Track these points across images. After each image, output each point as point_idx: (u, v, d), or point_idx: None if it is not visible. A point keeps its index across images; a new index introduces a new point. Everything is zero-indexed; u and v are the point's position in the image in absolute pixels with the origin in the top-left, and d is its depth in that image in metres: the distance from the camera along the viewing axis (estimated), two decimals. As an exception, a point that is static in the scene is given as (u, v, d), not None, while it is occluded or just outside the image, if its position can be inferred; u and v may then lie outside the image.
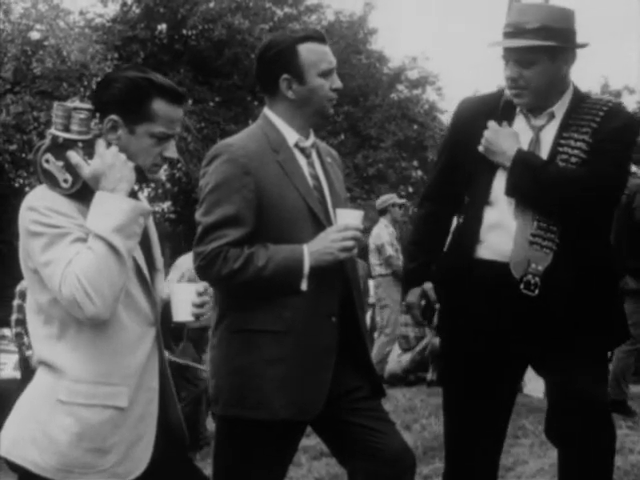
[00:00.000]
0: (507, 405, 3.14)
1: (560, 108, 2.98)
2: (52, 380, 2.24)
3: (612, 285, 3.07)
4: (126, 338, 2.28)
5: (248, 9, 20.71)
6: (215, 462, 2.78)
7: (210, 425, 7.99)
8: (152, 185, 22.06)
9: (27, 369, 7.22)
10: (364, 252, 8.76)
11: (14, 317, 7.44)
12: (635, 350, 6.14)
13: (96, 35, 19.15)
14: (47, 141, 2.26)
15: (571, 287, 2.87)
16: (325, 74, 2.72)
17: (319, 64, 2.71)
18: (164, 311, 2.47)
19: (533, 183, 2.88)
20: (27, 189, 17.08)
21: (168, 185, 22.51)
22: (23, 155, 17.28)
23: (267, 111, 2.80)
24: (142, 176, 2.34)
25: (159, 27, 21.44)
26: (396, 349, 9.01)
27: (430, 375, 9.35)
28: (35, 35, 18.21)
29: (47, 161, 2.24)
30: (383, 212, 8.91)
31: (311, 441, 4.97)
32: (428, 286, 3.17)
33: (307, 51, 2.70)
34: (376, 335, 9.38)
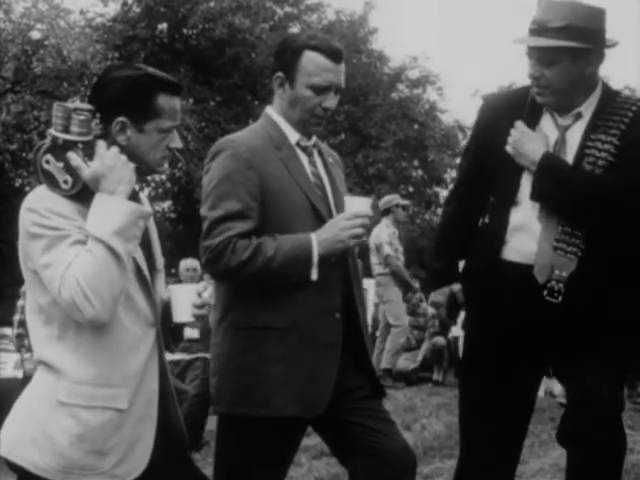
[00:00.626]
0: (526, 408, 3.11)
1: (588, 108, 2.91)
2: (52, 381, 2.24)
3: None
4: (126, 339, 2.28)
5: (249, 8, 20.68)
6: (217, 461, 2.78)
7: (210, 425, 7.99)
8: (152, 184, 22.07)
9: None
10: (363, 252, 8.76)
11: (17, 317, 7.45)
12: None
13: (97, 34, 19.12)
14: (47, 142, 2.25)
15: (596, 295, 2.83)
16: (317, 89, 2.69)
17: (312, 77, 2.68)
18: (164, 312, 2.47)
19: (559, 188, 2.83)
20: (27, 189, 17.06)
21: (168, 184, 22.50)
22: (23, 154, 17.26)
23: (269, 109, 2.81)
24: (150, 171, 2.35)
25: (160, 26, 21.41)
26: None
27: (436, 375, 9.36)
28: (36, 34, 18.19)
29: (47, 162, 2.24)
30: (386, 212, 8.92)
31: (311, 440, 4.97)
32: (457, 287, 3.15)
33: (308, 60, 2.68)
34: (378, 334, 9.40)
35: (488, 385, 3.02)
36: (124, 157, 2.25)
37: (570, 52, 2.80)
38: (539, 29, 2.83)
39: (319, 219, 2.69)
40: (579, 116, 2.92)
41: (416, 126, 23.34)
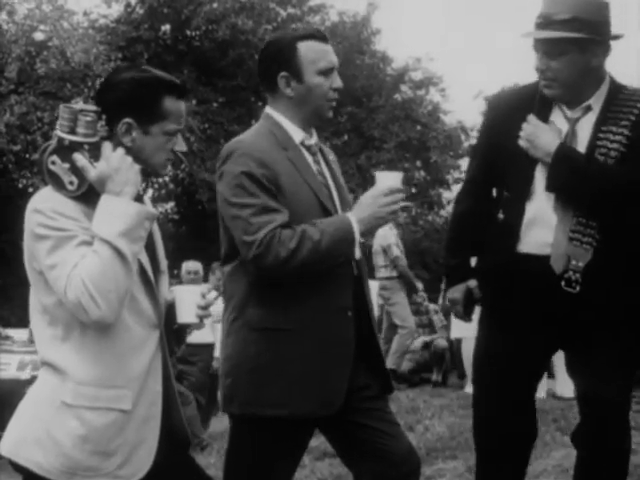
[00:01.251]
0: (532, 406, 3.14)
1: (597, 100, 2.93)
2: (57, 382, 2.24)
3: None
4: (130, 341, 2.29)
5: (252, 9, 20.68)
6: (228, 461, 2.77)
7: (213, 427, 8.01)
8: (155, 186, 22.08)
9: None
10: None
11: None
12: None
13: (100, 36, 19.14)
14: (53, 143, 2.26)
15: (613, 284, 2.85)
16: (324, 73, 2.72)
17: (318, 62, 2.71)
18: (168, 313, 2.47)
19: (574, 179, 2.85)
20: (31, 190, 17.11)
21: (171, 186, 22.52)
22: (27, 156, 17.30)
23: (269, 110, 2.81)
24: (155, 173, 2.36)
25: (163, 28, 21.44)
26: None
27: (435, 376, 9.38)
28: (39, 36, 18.22)
29: (53, 163, 2.24)
30: None
31: (314, 441, 4.96)
32: (473, 283, 3.17)
33: (306, 49, 2.71)
34: (382, 335, 9.41)
35: (503, 380, 3.03)
36: (130, 158, 2.25)
37: (576, 43, 2.83)
38: (545, 22, 2.86)
39: (327, 217, 2.69)
40: (589, 109, 2.94)
41: (419, 127, 23.33)
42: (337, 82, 2.76)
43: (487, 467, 3.17)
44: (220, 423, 7.79)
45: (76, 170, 2.22)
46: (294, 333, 2.62)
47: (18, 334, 11.43)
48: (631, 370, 3.01)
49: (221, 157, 2.70)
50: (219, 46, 20.91)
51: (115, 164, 2.22)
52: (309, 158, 2.78)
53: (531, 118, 2.93)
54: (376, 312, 3.02)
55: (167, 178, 21.27)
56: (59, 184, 2.23)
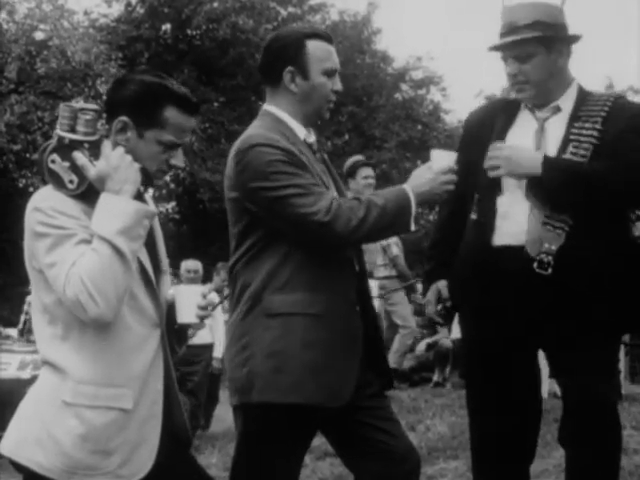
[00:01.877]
0: (534, 400, 3.16)
1: (566, 101, 3.04)
2: (57, 381, 2.24)
3: (633, 264, 3.02)
4: (130, 340, 2.28)
5: (252, 9, 20.69)
6: (238, 452, 2.74)
7: (214, 427, 8.00)
8: (156, 185, 22.08)
9: None
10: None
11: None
12: None
13: (100, 35, 19.15)
14: (53, 141, 2.26)
15: (585, 266, 2.90)
16: (328, 73, 2.74)
17: (324, 62, 2.73)
18: (168, 313, 2.47)
19: (567, 186, 2.89)
20: (31, 189, 17.09)
21: (172, 185, 22.52)
22: (27, 155, 17.30)
23: (270, 107, 2.79)
24: (149, 179, 2.34)
25: (163, 27, 21.45)
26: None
27: (436, 376, 9.37)
28: (39, 35, 18.22)
29: (53, 161, 2.24)
30: None
31: (315, 441, 4.95)
32: (442, 284, 3.22)
33: (314, 47, 2.72)
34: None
35: (492, 378, 3.06)
36: (129, 157, 2.25)
37: (543, 44, 2.97)
38: (510, 30, 3.00)
39: None
40: (557, 109, 3.05)
41: (420, 127, 23.35)
42: (338, 85, 2.77)
43: (478, 466, 3.20)
44: (221, 423, 7.79)
45: (76, 169, 2.22)
46: (312, 318, 2.62)
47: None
48: (613, 358, 3.06)
49: (240, 150, 2.64)
50: (219, 45, 20.92)
51: (115, 162, 2.22)
52: (311, 155, 2.78)
53: (495, 146, 2.99)
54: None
55: (168, 178, 21.23)
56: (59, 183, 2.23)
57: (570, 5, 3.13)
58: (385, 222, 2.60)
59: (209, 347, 7.87)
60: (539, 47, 2.96)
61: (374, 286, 9.63)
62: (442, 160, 2.71)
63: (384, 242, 8.68)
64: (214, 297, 4.55)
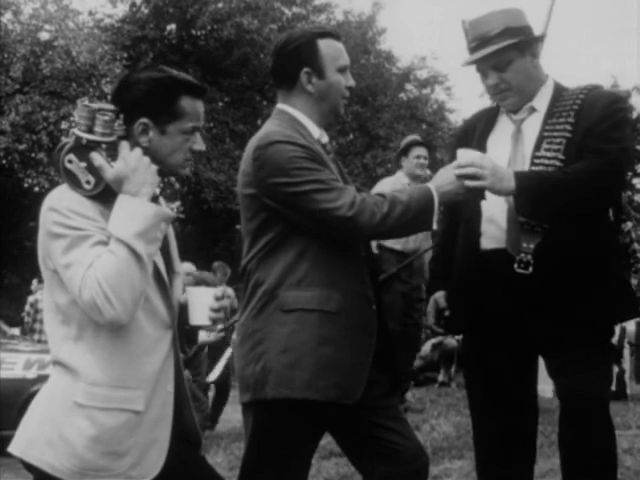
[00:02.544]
0: (530, 398, 3.18)
1: (540, 101, 3.07)
2: (69, 382, 2.23)
3: (613, 259, 3.04)
4: (143, 341, 2.28)
5: (257, 9, 20.70)
6: (252, 449, 2.71)
7: (220, 426, 8.00)
8: (161, 185, 22.10)
9: None
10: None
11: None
12: None
13: (105, 35, 19.18)
14: (70, 141, 2.24)
15: (565, 265, 2.90)
16: (342, 70, 2.76)
17: (338, 60, 2.75)
18: (180, 314, 2.46)
19: (541, 203, 2.88)
20: (36, 189, 17.11)
21: (177, 185, 22.54)
22: (32, 155, 17.31)
23: (284, 107, 2.79)
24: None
25: (168, 27, 21.47)
26: None
27: (441, 376, 9.38)
28: (44, 35, 18.26)
29: (70, 161, 2.23)
30: None
31: (321, 441, 4.96)
32: (439, 295, 3.25)
33: (326, 46, 2.74)
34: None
35: (488, 379, 3.09)
36: (147, 159, 2.24)
37: (517, 49, 3.00)
38: (482, 42, 3.02)
39: None
40: (532, 110, 3.07)
41: (424, 126, 23.34)
42: (350, 80, 2.80)
43: (482, 467, 3.22)
44: (227, 423, 7.79)
45: (93, 169, 2.21)
46: (328, 315, 2.62)
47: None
48: (603, 358, 3.05)
49: (259, 147, 2.63)
50: (224, 45, 20.93)
51: (133, 164, 2.21)
52: (325, 156, 2.77)
53: (466, 152, 2.95)
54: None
55: (172, 177, 21.28)
56: (76, 183, 2.22)
57: (576, 5, 3.15)
58: (408, 219, 2.61)
59: None
60: (514, 52, 3.00)
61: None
62: (468, 159, 2.74)
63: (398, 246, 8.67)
64: (230, 292, 4.53)
